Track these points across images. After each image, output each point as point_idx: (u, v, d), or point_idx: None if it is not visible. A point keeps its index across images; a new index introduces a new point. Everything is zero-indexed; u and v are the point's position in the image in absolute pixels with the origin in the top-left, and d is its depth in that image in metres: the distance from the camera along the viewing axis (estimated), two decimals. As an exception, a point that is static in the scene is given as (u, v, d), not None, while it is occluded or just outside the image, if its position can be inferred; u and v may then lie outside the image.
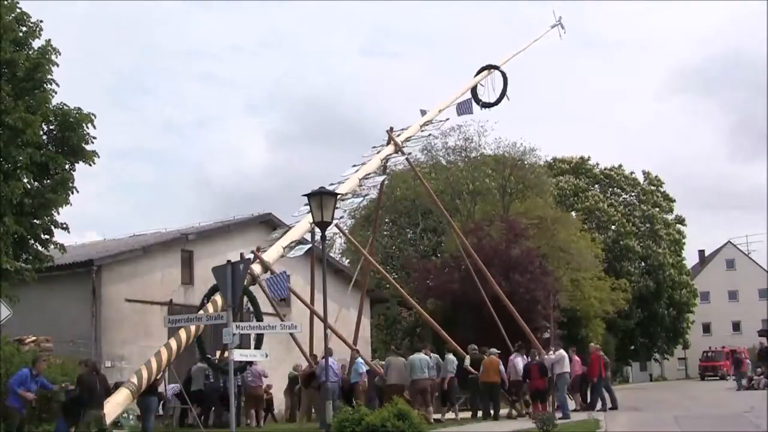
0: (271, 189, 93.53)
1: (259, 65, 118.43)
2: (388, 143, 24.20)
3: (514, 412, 21.23)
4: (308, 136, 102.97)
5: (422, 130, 25.48)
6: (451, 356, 21.22)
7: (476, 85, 28.13)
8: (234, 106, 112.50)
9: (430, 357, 19.86)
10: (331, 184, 22.32)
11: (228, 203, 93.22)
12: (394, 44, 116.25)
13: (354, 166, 23.51)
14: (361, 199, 24.30)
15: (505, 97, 27.98)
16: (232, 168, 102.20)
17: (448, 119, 26.60)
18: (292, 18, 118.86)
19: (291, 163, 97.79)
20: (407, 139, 24.63)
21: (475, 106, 27.73)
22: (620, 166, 61.57)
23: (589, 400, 22.55)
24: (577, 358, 22.40)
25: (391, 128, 24.64)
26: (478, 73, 28.41)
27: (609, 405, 22.20)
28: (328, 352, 15.91)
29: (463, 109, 26.99)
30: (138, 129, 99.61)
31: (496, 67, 28.24)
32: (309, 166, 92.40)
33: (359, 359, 20.19)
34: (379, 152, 23.94)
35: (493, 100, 27.96)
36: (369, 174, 22.82)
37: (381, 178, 24.11)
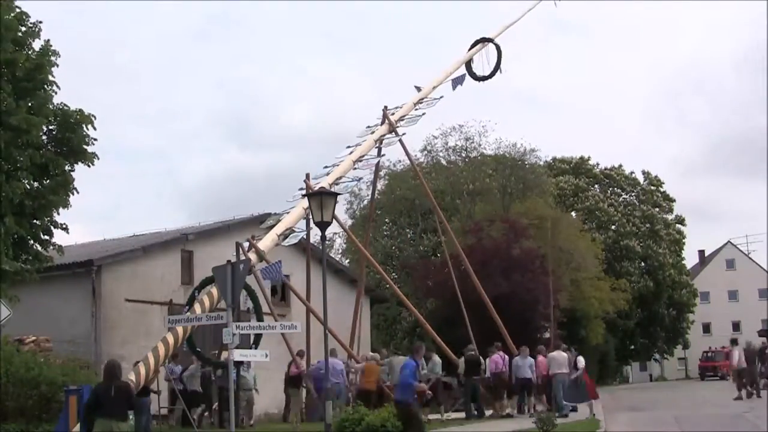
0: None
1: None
2: (383, 122, 24.03)
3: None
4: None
5: (416, 108, 25.06)
6: (436, 358, 21.20)
7: (471, 59, 27.91)
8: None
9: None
10: (326, 167, 22.22)
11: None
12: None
13: (348, 147, 23.30)
14: (356, 182, 24.08)
15: (499, 71, 27.74)
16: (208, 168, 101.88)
17: (442, 97, 25.76)
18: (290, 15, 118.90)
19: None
20: (401, 118, 24.38)
21: (467, 78, 27.37)
22: (620, 166, 61.70)
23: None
24: (541, 358, 22.09)
25: (386, 107, 24.44)
26: (472, 46, 28.19)
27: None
28: (324, 353, 15.78)
29: (456, 82, 26.65)
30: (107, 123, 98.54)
31: (489, 40, 28.02)
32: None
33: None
34: (373, 132, 23.71)
35: (488, 73, 27.81)
36: (363, 156, 22.59)
37: (376, 160, 23.88)
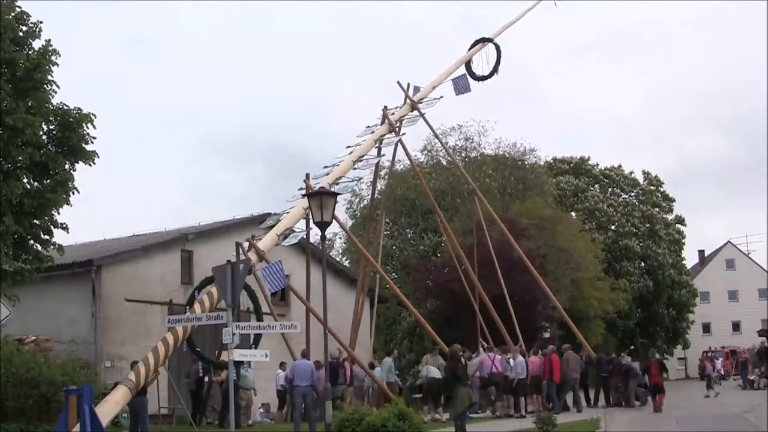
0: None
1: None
2: (383, 122, 24.07)
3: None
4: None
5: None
6: (440, 358, 21.27)
7: (470, 59, 27.94)
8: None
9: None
10: (326, 167, 22.29)
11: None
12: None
13: (348, 147, 23.38)
14: (356, 182, 24.20)
15: (496, 72, 27.79)
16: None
17: (441, 97, 25.98)
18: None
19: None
20: (401, 118, 24.48)
21: (472, 82, 27.42)
22: (620, 166, 61.69)
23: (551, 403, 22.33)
24: (536, 359, 22.15)
25: (385, 107, 24.47)
26: (472, 46, 28.27)
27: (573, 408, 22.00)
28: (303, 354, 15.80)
29: (461, 87, 26.60)
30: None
31: (489, 40, 28.11)
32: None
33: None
34: (373, 132, 23.80)
35: (487, 72, 27.83)
36: (363, 156, 22.67)
37: (376, 160, 23.95)
